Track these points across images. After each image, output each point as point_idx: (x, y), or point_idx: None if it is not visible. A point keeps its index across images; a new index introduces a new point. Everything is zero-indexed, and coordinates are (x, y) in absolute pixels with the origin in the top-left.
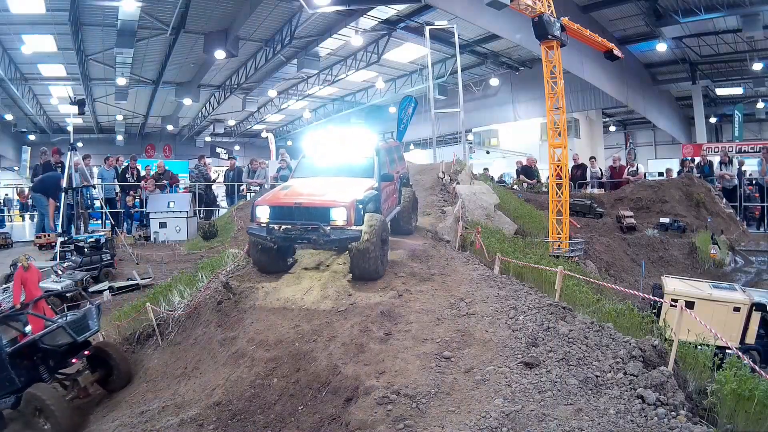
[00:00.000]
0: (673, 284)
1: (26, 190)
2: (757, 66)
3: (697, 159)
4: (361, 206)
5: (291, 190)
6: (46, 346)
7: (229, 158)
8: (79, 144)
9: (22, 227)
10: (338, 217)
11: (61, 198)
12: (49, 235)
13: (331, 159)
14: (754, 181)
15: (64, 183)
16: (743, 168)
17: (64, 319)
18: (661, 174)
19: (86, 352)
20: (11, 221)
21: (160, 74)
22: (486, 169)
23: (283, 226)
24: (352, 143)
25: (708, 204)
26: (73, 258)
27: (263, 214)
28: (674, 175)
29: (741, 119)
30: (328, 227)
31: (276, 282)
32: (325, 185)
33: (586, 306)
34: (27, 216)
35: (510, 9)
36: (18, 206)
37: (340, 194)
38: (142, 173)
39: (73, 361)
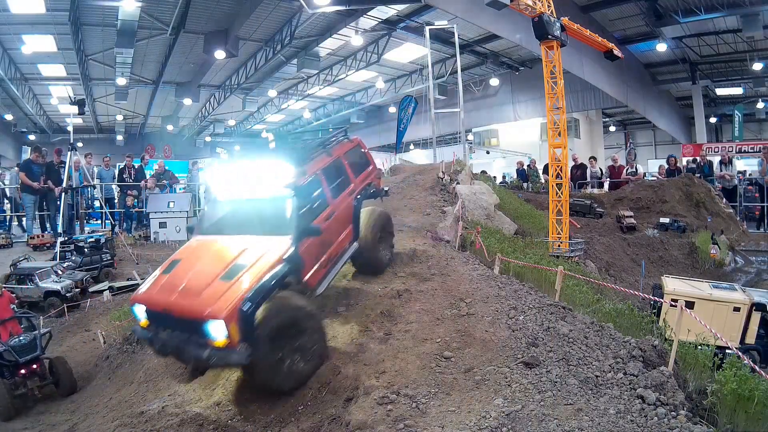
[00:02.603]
0: (673, 284)
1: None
2: (757, 66)
3: (686, 159)
4: (248, 308)
5: (172, 274)
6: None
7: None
8: (79, 144)
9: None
10: (217, 334)
11: (62, 197)
12: (43, 236)
13: (237, 207)
14: (754, 181)
15: (64, 183)
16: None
17: (19, 340)
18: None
19: (34, 367)
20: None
21: (160, 74)
22: (484, 172)
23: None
24: (261, 181)
25: (708, 204)
26: (73, 258)
27: (141, 314)
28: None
29: (741, 119)
30: (207, 345)
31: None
32: (214, 264)
33: (586, 306)
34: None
35: (510, 9)
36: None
37: (221, 292)
38: (150, 172)
39: (22, 371)
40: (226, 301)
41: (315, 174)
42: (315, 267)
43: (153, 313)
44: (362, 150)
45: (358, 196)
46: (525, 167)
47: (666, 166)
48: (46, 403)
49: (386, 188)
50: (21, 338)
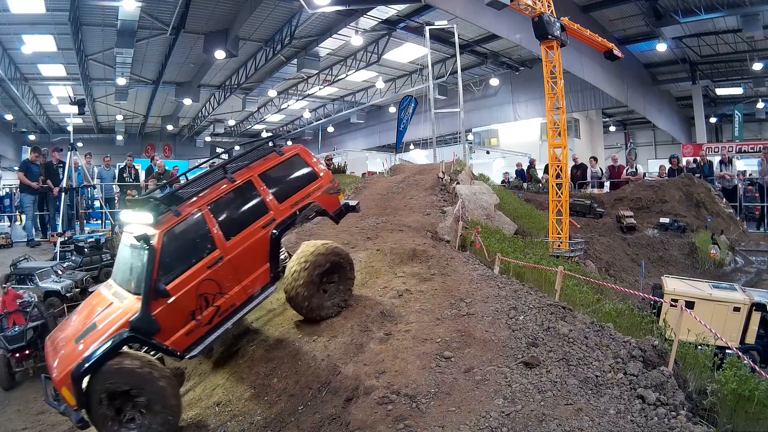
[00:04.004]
0: (673, 284)
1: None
2: (757, 66)
3: (686, 159)
4: (78, 375)
5: (65, 323)
6: None
7: None
8: (79, 144)
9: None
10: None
11: (61, 198)
12: (64, 233)
13: (122, 254)
14: (753, 181)
15: (63, 183)
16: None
17: (14, 331)
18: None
19: (27, 352)
20: (16, 222)
21: (160, 74)
22: (507, 174)
23: None
24: (131, 227)
25: (708, 204)
26: (73, 258)
27: None
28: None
29: (741, 119)
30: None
31: None
32: (84, 319)
33: (586, 306)
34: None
35: (510, 9)
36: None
37: (67, 354)
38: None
39: (17, 355)
40: (64, 365)
41: (194, 213)
42: (185, 328)
43: None
44: (304, 161)
45: (277, 227)
46: (526, 167)
47: (668, 166)
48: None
49: (353, 203)
50: (16, 329)
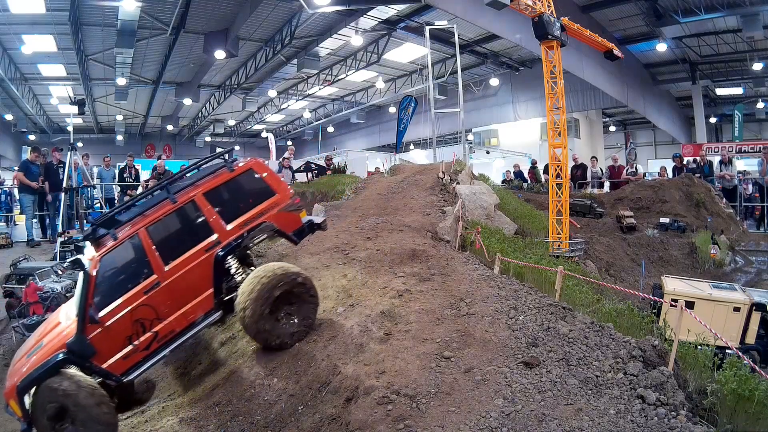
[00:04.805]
0: (673, 284)
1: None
2: (757, 66)
3: (686, 159)
4: (20, 390)
5: (29, 337)
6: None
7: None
8: (79, 144)
9: (23, 227)
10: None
11: (61, 198)
12: (71, 232)
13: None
14: (753, 181)
15: (64, 183)
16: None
17: (31, 319)
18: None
19: None
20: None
21: (160, 74)
22: (508, 172)
23: None
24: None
25: (708, 204)
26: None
27: None
28: (669, 172)
29: (741, 119)
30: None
31: None
32: (39, 336)
33: (586, 306)
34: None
35: (510, 9)
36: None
37: (18, 369)
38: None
39: None
40: (12, 380)
41: (131, 237)
42: (122, 352)
43: None
44: (258, 177)
45: (222, 250)
46: (528, 167)
47: (672, 164)
48: None
49: (319, 220)
50: (34, 318)
